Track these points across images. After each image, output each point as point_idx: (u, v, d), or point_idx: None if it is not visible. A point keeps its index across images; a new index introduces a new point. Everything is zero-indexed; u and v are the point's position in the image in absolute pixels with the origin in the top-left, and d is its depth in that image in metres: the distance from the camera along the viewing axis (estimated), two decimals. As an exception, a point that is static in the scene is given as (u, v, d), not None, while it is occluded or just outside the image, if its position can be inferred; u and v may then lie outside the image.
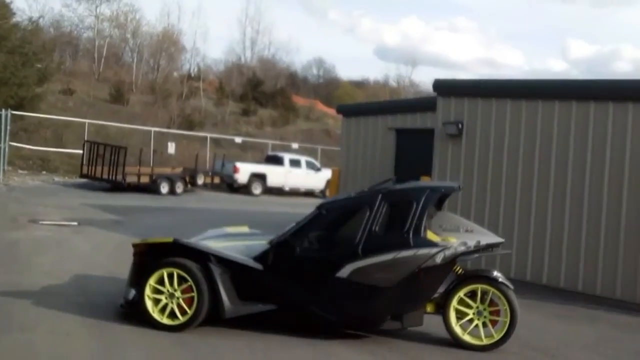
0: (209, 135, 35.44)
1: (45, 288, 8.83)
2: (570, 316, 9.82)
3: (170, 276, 7.33)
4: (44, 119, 35.26)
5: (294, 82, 65.26)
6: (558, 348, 7.98)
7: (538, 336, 8.49)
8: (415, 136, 15.29)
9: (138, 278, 7.52)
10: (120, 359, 6.30)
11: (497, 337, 7.50)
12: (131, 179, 25.75)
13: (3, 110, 26.79)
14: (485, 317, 7.55)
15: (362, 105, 20.11)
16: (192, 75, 56.03)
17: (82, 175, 27.08)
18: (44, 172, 30.68)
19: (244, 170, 29.40)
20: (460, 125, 12.75)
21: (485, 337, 7.54)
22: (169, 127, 39.52)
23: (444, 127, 13.02)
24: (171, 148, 31.25)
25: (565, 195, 11.35)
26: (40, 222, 15.07)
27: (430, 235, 7.33)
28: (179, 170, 28.56)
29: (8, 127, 28.77)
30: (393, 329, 7.55)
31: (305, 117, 52.43)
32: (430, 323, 7.84)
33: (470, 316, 7.57)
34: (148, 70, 57.31)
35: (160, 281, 7.35)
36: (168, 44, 57.14)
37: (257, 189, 29.45)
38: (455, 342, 7.53)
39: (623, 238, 10.63)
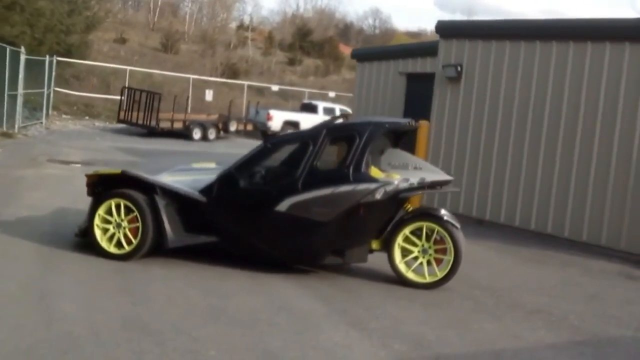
0: (246, 83, 35.65)
1: (20, 218, 9.15)
2: (543, 261, 9.65)
3: (118, 207, 7.51)
4: (94, 66, 36.06)
5: (345, 32, 64.67)
6: (509, 289, 7.89)
7: (495, 278, 8.41)
8: (424, 81, 14.98)
9: (90, 208, 7.74)
10: (51, 281, 6.52)
11: (440, 275, 7.46)
12: (164, 125, 26.22)
13: (48, 56, 27.39)
14: (430, 255, 7.51)
15: (375, 49, 19.80)
16: (245, 25, 56.11)
17: (119, 121, 27.70)
18: (86, 117, 31.48)
19: (277, 118, 29.50)
20: (459, 68, 12.47)
21: (429, 275, 7.51)
22: (212, 76, 39.88)
23: (443, 70, 12.77)
24: (209, 95, 31.57)
25: (557, 140, 11.03)
26: (57, 162, 15.53)
27: (374, 172, 7.29)
28: (214, 117, 28.90)
29: (53, 73, 29.51)
30: (335, 264, 7.62)
31: (351, 67, 51.99)
32: (378, 261, 7.86)
33: (415, 254, 7.54)
34: (201, 20, 57.72)
35: (109, 211, 7.55)
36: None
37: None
38: (399, 280, 7.53)
39: (611, 184, 10.32)
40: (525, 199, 11.42)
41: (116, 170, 7.79)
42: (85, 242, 7.77)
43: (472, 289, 7.73)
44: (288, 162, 7.53)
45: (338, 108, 31.26)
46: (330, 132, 7.43)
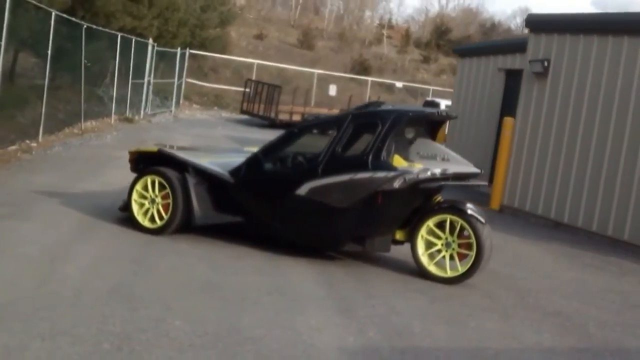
0: (369, 78, 35.74)
1: (87, 192, 9.72)
2: (602, 267, 9.05)
3: (153, 183, 7.84)
4: (229, 59, 37.55)
5: (491, 31, 63.11)
6: (541, 291, 7.49)
7: (534, 280, 8.01)
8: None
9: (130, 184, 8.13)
10: (73, 248, 6.89)
11: (461, 270, 7.20)
12: (283, 117, 26.82)
13: (179, 49, 28.80)
14: (453, 249, 7.28)
15: (476, 45, 19.21)
16: (383, 23, 56.24)
17: (242, 111, 28.68)
18: (215, 108, 32.81)
19: (398, 115, 29.29)
20: (545, 63, 11.91)
21: (450, 270, 7.28)
22: (345, 72, 40.29)
23: (530, 65, 12.26)
24: (332, 90, 31.99)
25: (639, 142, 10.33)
26: (161, 146, 16.29)
27: (397, 160, 7.14)
28: (335, 111, 29.19)
29: (185, 65, 31.03)
30: (355, 251, 7.55)
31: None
32: (408, 253, 7.70)
33: (439, 247, 7.33)
34: (344, 18, 58.41)
35: (146, 187, 7.89)
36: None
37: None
38: (420, 272, 7.35)
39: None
40: (604, 202, 10.73)
41: (153, 147, 8.14)
42: (128, 216, 8.15)
43: (500, 288, 7.42)
44: (312, 147, 7.56)
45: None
46: (354, 118, 7.39)
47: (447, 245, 7.28)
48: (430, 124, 7.90)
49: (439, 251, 7.34)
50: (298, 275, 6.94)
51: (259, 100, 27.44)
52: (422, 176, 7.06)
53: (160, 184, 7.80)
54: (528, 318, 6.46)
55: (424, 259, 7.35)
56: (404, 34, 52.68)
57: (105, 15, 18.54)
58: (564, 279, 8.30)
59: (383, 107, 7.70)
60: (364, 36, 50.72)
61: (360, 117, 7.45)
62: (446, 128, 16.91)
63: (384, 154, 7.07)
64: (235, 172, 7.70)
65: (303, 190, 7.26)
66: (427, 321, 6.01)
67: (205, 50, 33.91)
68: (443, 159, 7.41)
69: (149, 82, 24.33)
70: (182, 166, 7.82)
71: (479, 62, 16.15)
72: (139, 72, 22.83)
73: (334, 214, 7.18)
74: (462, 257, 7.26)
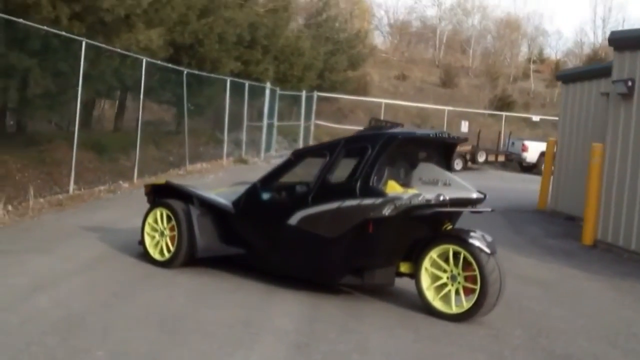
0: (504, 113, 34.39)
1: (133, 228, 9.60)
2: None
3: (162, 215, 7.78)
4: (361, 100, 37.81)
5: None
6: (566, 332, 6.52)
7: (570, 319, 7.04)
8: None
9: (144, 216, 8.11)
10: (65, 279, 6.90)
11: (466, 306, 6.46)
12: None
13: (304, 91, 29.28)
14: (459, 282, 6.55)
15: (579, 69, 17.72)
16: (533, 58, 54.34)
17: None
18: (345, 149, 32.93)
19: (532, 149, 27.97)
20: (630, 83, 10.75)
21: (456, 305, 6.55)
22: (485, 109, 39.18)
23: (614, 86, 11.12)
24: (464, 126, 31.12)
25: None
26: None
27: (391, 186, 6.59)
28: (467, 147, 28.29)
29: (313, 107, 31.53)
30: (354, 284, 6.99)
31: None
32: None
33: (444, 280, 6.64)
34: (487, 55, 57.07)
35: (156, 220, 7.84)
36: (510, 29, 56.34)
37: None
38: (425, 308, 6.67)
39: None
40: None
41: (162, 180, 8.09)
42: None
43: (517, 326, 6.57)
44: (305, 174, 7.17)
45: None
46: (347, 143, 6.94)
47: (453, 278, 6.57)
48: (441, 148, 7.25)
49: (446, 285, 6.64)
50: (282, 309, 6.51)
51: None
52: (414, 202, 6.44)
53: (167, 216, 7.72)
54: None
55: (429, 294, 6.68)
56: (554, 67, 50.54)
57: (211, 61, 19.14)
58: (609, 319, 7.22)
59: (382, 131, 7.17)
60: (509, 72, 49.22)
61: (352, 142, 6.98)
62: (553, 158, 15.85)
63: (373, 179, 6.54)
64: (237, 202, 7.46)
65: (294, 219, 6.87)
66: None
67: (336, 93, 34.22)
68: (445, 184, 6.75)
69: (270, 124, 24.80)
70: (187, 198, 7.71)
71: (582, 87, 14.94)
72: (257, 115, 23.36)
73: (325, 244, 6.71)
74: (468, 291, 6.52)
